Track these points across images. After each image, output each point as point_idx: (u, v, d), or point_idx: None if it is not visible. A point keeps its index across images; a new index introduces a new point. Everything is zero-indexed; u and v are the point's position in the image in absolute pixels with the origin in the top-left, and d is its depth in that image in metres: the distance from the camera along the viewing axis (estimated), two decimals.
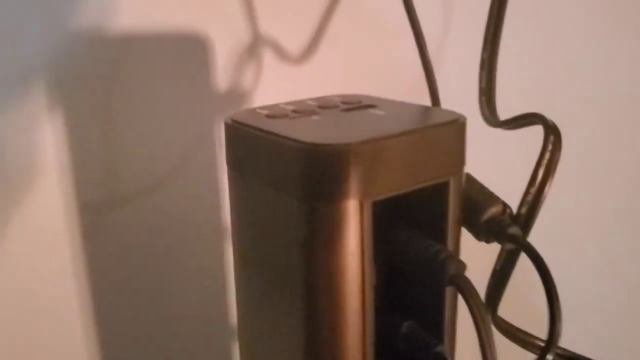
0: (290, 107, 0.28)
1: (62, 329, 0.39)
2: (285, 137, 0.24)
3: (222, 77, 0.40)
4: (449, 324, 0.27)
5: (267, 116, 0.27)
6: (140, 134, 0.38)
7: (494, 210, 0.27)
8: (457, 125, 0.26)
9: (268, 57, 0.41)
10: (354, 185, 0.23)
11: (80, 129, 0.36)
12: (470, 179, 0.29)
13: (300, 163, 0.23)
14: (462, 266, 0.25)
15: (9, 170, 0.35)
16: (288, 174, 0.24)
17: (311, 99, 0.31)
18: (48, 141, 0.36)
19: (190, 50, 0.39)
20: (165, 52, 0.38)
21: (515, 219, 0.27)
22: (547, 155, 0.27)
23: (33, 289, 0.37)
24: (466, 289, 0.24)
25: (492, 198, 0.27)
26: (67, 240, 0.38)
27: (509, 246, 0.27)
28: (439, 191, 0.26)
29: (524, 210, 0.27)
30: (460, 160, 0.26)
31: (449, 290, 0.27)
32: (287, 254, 0.25)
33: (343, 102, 0.29)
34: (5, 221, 0.36)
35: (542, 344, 0.30)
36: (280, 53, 0.41)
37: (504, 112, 0.33)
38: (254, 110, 0.29)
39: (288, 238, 0.25)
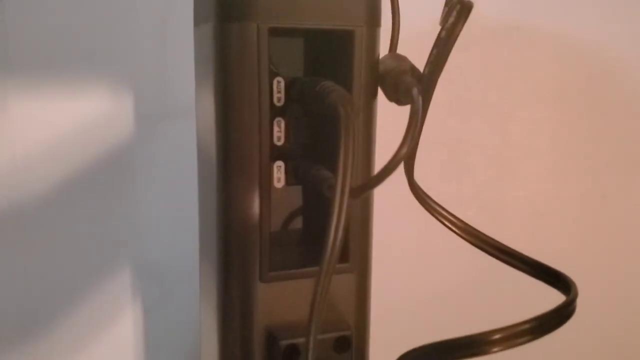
0: None
1: None
2: None
3: None
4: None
5: None
6: None
7: (400, 67, 0.30)
8: None
9: None
10: (257, 10, 0.28)
11: None
12: (397, 54, 0.32)
13: None
14: (346, 99, 0.28)
15: None
16: (208, 3, 0.29)
17: None
18: None
19: None
20: None
21: (420, 77, 0.30)
22: (451, 20, 0.29)
23: None
24: (343, 116, 0.27)
25: (401, 59, 0.31)
26: None
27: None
28: (347, 43, 0.30)
29: (427, 70, 0.30)
30: (372, 17, 0.30)
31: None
32: (207, 77, 0.30)
33: None
34: None
35: (449, 215, 0.32)
36: None
37: None
38: None
39: (208, 62, 0.30)
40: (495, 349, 0.25)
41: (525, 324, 0.26)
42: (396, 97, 0.30)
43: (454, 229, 0.32)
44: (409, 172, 0.32)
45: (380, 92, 0.32)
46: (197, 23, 0.32)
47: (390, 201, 0.45)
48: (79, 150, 0.48)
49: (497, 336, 0.25)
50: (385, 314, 0.37)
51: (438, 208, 0.32)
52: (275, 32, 0.29)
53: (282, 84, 0.31)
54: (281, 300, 0.31)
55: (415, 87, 0.29)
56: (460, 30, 0.29)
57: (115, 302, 0.51)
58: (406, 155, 0.26)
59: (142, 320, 0.53)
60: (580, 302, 0.29)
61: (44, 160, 0.47)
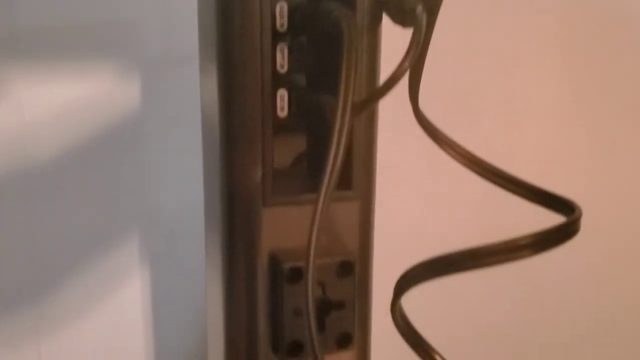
0: None
1: None
2: None
3: None
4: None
5: None
6: None
7: None
8: None
9: None
10: None
11: None
12: None
13: None
14: (349, 17, 0.28)
15: None
16: None
17: None
18: None
19: None
20: None
21: None
22: None
23: None
24: (346, 31, 0.27)
25: None
26: None
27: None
28: None
29: None
30: None
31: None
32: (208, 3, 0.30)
33: None
34: None
35: (453, 143, 0.31)
36: None
37: None
38: None
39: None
40: (496, 261, 0.25)
41: (527, 238, 0.26)
42: (401, 18, 0.30)
43: (458, 157, 0.32)
44: (414, 100, 0.32)
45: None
46: None
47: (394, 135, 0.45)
48: (85, 108, 0.48)
49: (498, 248, 0.25)
50: (389, 244, 0.37)
51: (442, 136, 0.32)
52: None
53: (285, 9, 0.31)
54: (285, 225, 0.31)
55: (419, 5, 0.29)
56: None
57: (123, 257, 0.52)
58: (408, 67, 0.25)
59: (149, 273, 0.53)
60: (588, 246, 0.29)
61: (51, 120, 0.47)
